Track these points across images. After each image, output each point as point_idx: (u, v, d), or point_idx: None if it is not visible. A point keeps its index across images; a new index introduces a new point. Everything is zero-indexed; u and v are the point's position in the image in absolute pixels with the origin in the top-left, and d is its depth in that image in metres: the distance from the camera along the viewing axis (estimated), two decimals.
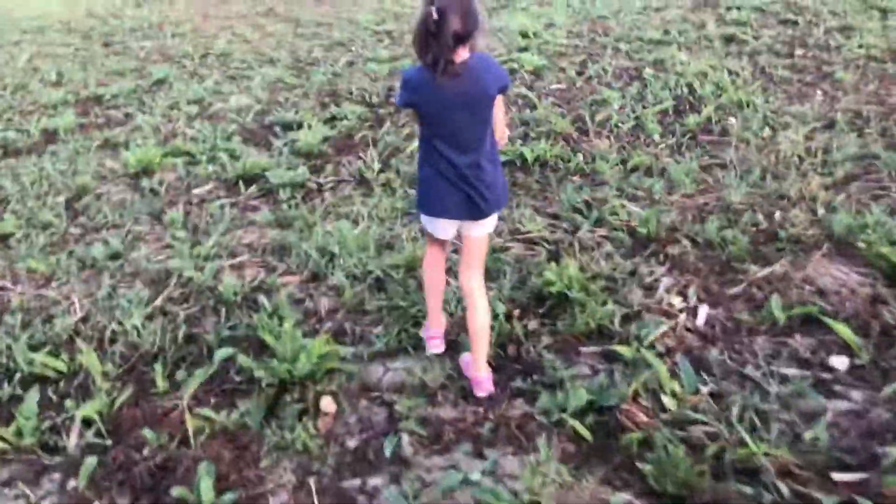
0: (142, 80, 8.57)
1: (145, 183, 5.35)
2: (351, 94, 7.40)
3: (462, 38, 2.45)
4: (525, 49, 8.81)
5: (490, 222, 2.81)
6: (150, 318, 3.51)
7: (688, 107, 6.32)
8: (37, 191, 5.37)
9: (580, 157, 5.32)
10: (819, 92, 6.58)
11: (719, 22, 9.63)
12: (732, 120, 5.95)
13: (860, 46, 7.84)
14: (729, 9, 10.54)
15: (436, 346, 3.11)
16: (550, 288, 3.29)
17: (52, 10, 14.81)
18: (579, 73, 7.73)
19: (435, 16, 2.37)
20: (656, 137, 5.69)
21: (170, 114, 7.15)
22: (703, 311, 3.22)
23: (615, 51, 8.59)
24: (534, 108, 6.67)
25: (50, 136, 6.74)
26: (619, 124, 6.02)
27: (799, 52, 8.04)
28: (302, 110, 6.90)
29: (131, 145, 6.14)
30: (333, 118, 6.69)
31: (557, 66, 8.04)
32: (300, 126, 6.44)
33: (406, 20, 11.66)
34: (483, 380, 2.90)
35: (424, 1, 2.43)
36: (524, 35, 9.49)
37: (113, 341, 3.36)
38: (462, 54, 2.49)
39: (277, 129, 6.46)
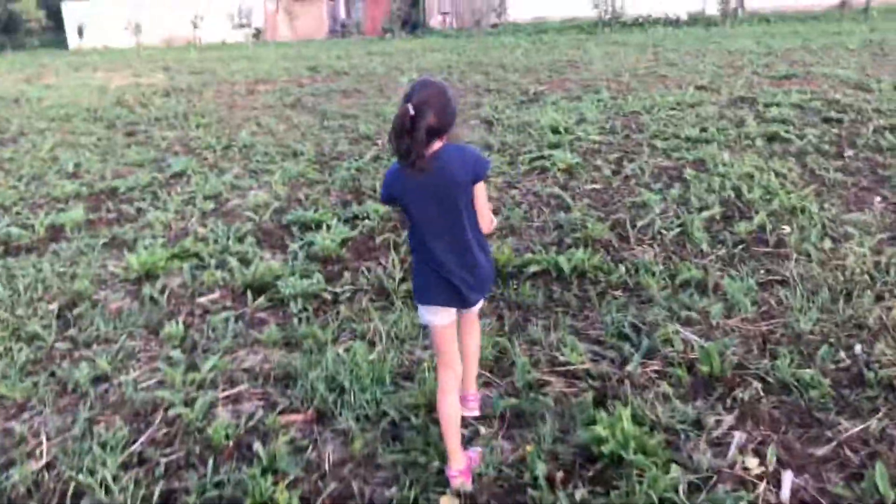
0: (160, 172, 8.29)
1: (147, 289, 4.91)
2: (375, 191, 7.02)
3: (436, 133, 2.56)
4: (557, 146, 8.45)
5: (481, 301, 2.96)
6: (125, 466, 2.99)
7: (736, 213, 5.82)
8: (30, 296, 4.95)
9: (622, 268, 4.82)
10: (878, 198, 6.08)
11: (758, 119, 9.24)
12: (787, 229, 5.44)
13: None
14: (767, 106, 10.19)
15: (457, 483, 2.77)
16: (601, 447, 2.72)
17: (81, 98, 14.89)
18: (615, 172, 7.31)
19: (411, 112, 2.48)
20: (705, 247, 5.19)
21: (184, 210, 6.80)
22: (788, 478, 2.64)
23: (652, 148, 8.19)
24: (568, 209, 6.22)
25: (56, 231, 6.38)
26: (663, 231, 5.53)
27: (849, 152, 7.59)
28: (322, 208, 6.51)
29: (138, 245, 5.75)
30: (355, 217, 6.29)
31: (592, 163, 7.65)
32: (319, 226, 6.03)
33: None
34: (473, 397, 3.13)
35: (403, 98, 2.54)
36: (555, 131, 9.16)
37: (77, 496, 2.83)
38: (434, 146, 2.59)
39: (295, 228, 6.05)
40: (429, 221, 2.66)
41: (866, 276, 4.46)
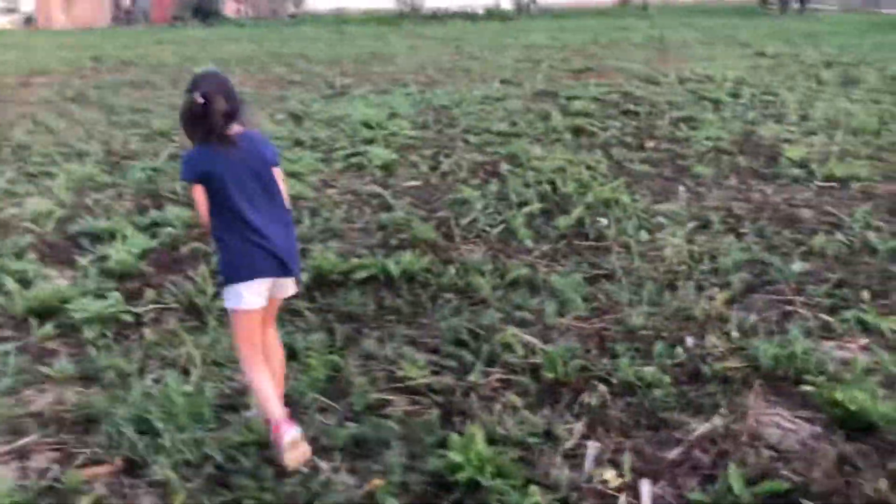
0: None
1: None
2: (176, 193, 6.41)
3: (231, 116, 2.65)
4: (371, 141, 8.21)
5: (293, 285, 2.92)
6: None
7: (555, 207, 5.86)
8: None
9: (451, 270, 4.66)
10: (682, 188, 6.38)
11: (563, 112, 9.52)
12: (604, 221, 5.54)
13: (707, 138, 7.87)
14: (569, 99, 10.55)
15: (292, 430, 2.73)
16: (456, 474, 2.51)
17: None
18: (433, 168, 7.19)
19: (200, 100, 2.57)
20: (529, 243, 5.16)
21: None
22: (646, 488, 2.57)
23: (466, 143, 8.17)
24: (390, 208, 5.99)
25: None
26: (487, 228, 5.45)
27: (650, 143, 7.98)
28: (115, 216, 5.83)
29: None
30: (155, 224, 5.67)
31: (409, 160, 7.48)
32: (113, 236, 5.37)
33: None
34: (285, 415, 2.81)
35: (186, 93, 2.63)
36: (368, 126, 8.91)
37: None
38: (234, 129, 2.68)
39: (84, 240, 5.35)
40: (248, 195, 2.68)
41: (685, 266, 4.60)
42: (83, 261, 4.91)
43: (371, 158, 7.37)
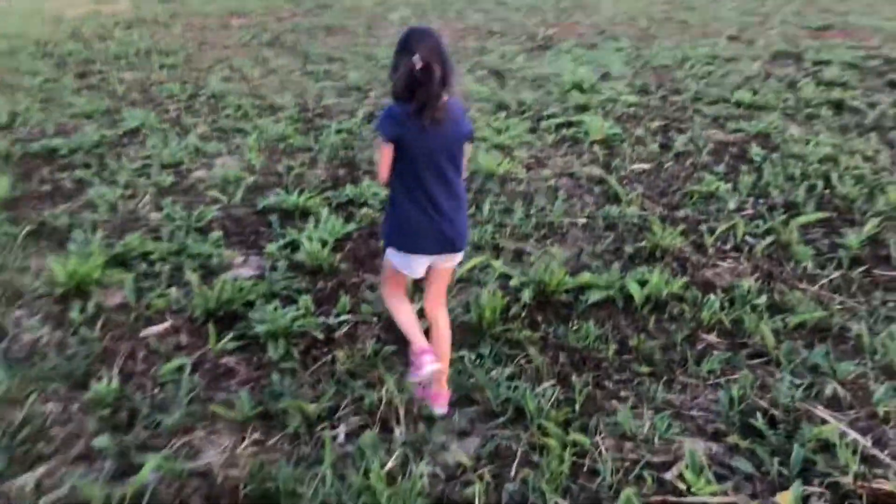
0: (112, 128, 6.87)
1: (74, 314, 3.63)
2: (371, 164, 5.71)
3: (445, 83, 2.53)
4: (585, 108, 7.13)
5: (459, 256, 2.86)
6: None
7: (835, 213, 4.61)
8: None
9: (713, 298, 3.61)
10: None
11: (815, 81, 7.95)
12: None
13: None
14: (816, 64, 8.90)
15: (431, 362, 2.81)
16: None
17: (31, 29, 13.18)
18: (664, 147, 6.04)
19: (420, 64, 2.47)
20: (810, 265, 3.99)
21: (136, 183, 5.45)
22: None
23: (700, 115, 6.91)
24: (617, 199, 4.98)
25: None
26: (749, 238, 4.32)
27: None
28: (308, 189, 5.20)
29: (72, 239, 4.43)
30: (350, 203, 5.00)
31: (632, 134, 6.36)
32: (305, 214, 4.76)
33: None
34: (444, 394, 2.95)
35: (402, 53, 2.53)
36: (579, 88, 7.82)
37: None
38: (443, 98, 2.55)
39: (273, 217, 4.75)
40: (435, 168, 2.63)
41: None
42: (272, 247, 4.28)
43: (588, 130, 6.33)
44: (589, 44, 10.83)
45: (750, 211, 4.71)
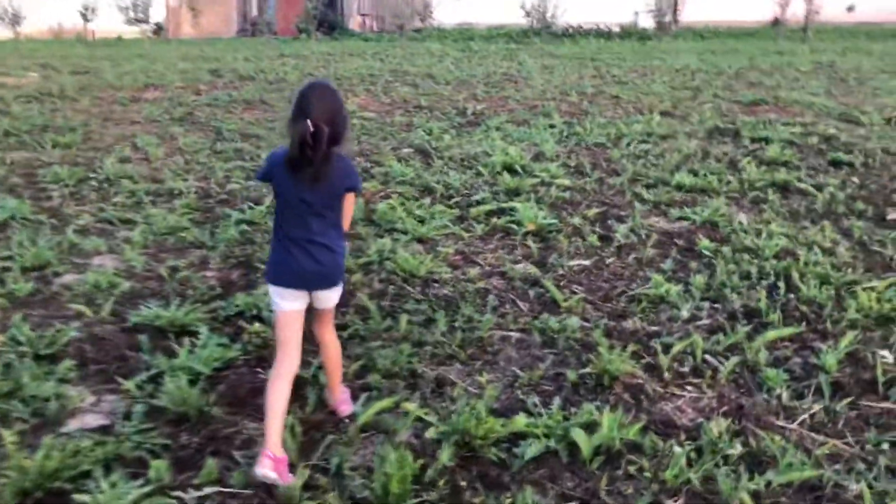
0: None
1: None
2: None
3: (335, 142, 2.65)
4: (516, 193, 6.54)
5: (333, 295, 2.95)
6: None
7: (805, 325, 4.01)
8: None
9: (678, 452, 2.90)
10: None
11: (755, 160, 7.57)
12: (889, 356, 3.67)
13: None
14: (755, 141, 8.59)
15: (266, 468, 2.63)
16: None
17: None
18: (604, 239, 5.44)
19: (311, 128, 2.56)
20: (784, 395, 3.34)
21: None
22: None
23: (639, 200, 6.38)
24: (555, 305, 4.30)
25: None
26: (709, 359, 3.67)
27: (893, 214, 5.95)
28: (192, 299, 4.38)
29: None
30: (240, 315, 4.19)
31: (568, 223, 5.76)
32: (183, 334, 3.93)
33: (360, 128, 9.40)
34: (343, 398, 3.20)
35: (296, 111, 2.63)
36: (511, 170, 7.26)
37: None
38: (332, 154, 2.67)
39: (143, 339, 3.90)
40: (297, 216, 2.76)
41: None
42: (132, 383, 3.43)
43: (520, 220, 5.69)
44: (520, 120, 10.41)
45: (707, 320, 4.08)
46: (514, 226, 5.64)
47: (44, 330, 3.99)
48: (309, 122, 2.55)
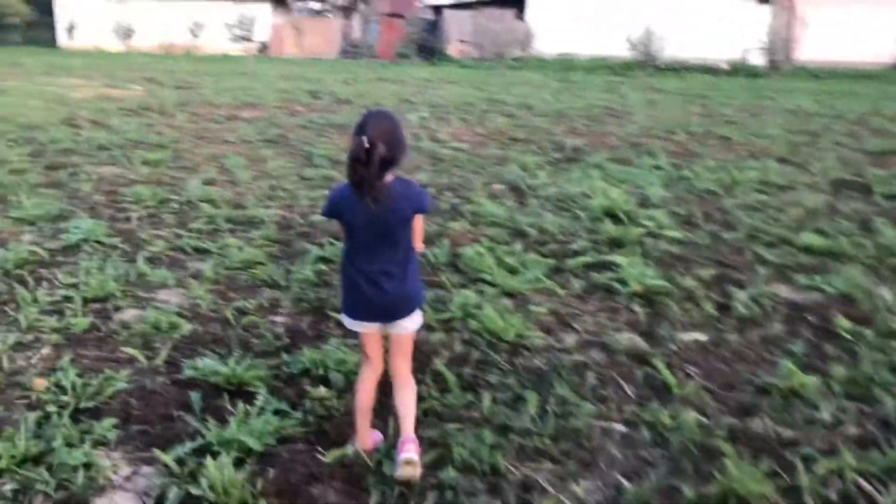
0: (52, 240, 5.74)
1: None
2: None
3: (389, 165, 2.67)
4: (620, 244, 5.91)
5: (407, 324, 2.96)
6: None
7: None
8: None
9: None
10: None
11: (889, 221, 6.70)
12: None
13: None
14: (889, 199, 7.70)
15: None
16: None
17: (28, 111, 12.37)
18: (721, 308, 4.75)
19: (366, 145, 2.59)
20: None
21: (42, 324, 4.24)
22: None
23: (760, 262, 5.65)
24: (667, 392, 3.66)
25: None
26: (864, 482, 2.96)
27: None
28: (254, 351, 3.96)
29: None
30: (305, 374, 3.73)
31: (680, 285, 5.09)
32: (239, 394, 3.49)
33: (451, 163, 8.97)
34: (411, 443, 2.94)
35: (355, 129, 2.65)
36: (613, 216, 6.62)
37: None
38: (387, 178, 2.70)
39: (195, 396, 3.47)
40: (366, 246, 2.81)
41: None
42: (171, 456, 2.98)
43: (625, 278, 5.07)
44: (622, 158, 9.75)
45: (854, 428, 3.36)
46: (618, 285, 5.01)
47: (91, 376, 3.63)
48: (364, 138, 2.59)
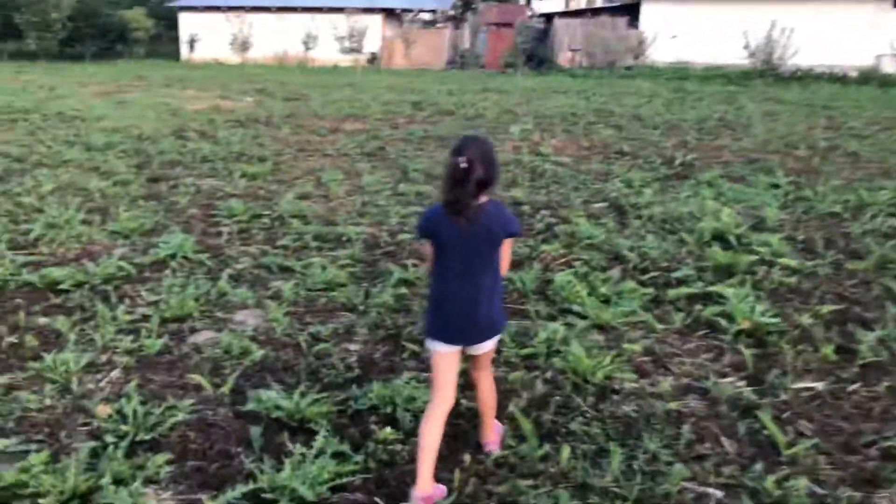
0: (142, 255, 5.77)
1: None
2: (421, 344, 4.19)
3: (485, 185, 2.72)
4: (729, 273, 5.41)
5: (489, 344, 2.98)
6: None
7: None
8: None
9: None
10: None
11: None
12: None
13: None
14: None
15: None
16: None
17: (143, 122, 12.83)
18: (842, 351, 4.21)
19: (463, 165, 2.64)
20: None
21: (117, 344, 4.19)
22: None
23: (891, 298, 5.02)
24: (775, 454, 3.19)
25: None
26: None
27: None
28: (321, 384, 3.76)
29: None
30: (373, 411, 3.49)
31: (794, 323, 4.56)
32: (300, 430, 3.29)
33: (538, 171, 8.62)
34: (494, 439, 3.22)
35: (451, 151, 2.71)
36: (722, 239, 6.11)
37: None
38: (481, 199, 2.74)
39: (255, 432, 3.29)
40: (456, 267, 2.82)
41: None
42: (222, 501, 2.79)
43: (732, 312, 4.59)
44: (736, 175, 9.11)
45: None
46: (723, 321, 4.54)
47: (155, 405, 3.50)
48: (462, 158, 2.64)
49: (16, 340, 4.26)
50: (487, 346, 2.98)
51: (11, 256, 5.64)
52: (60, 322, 4.43)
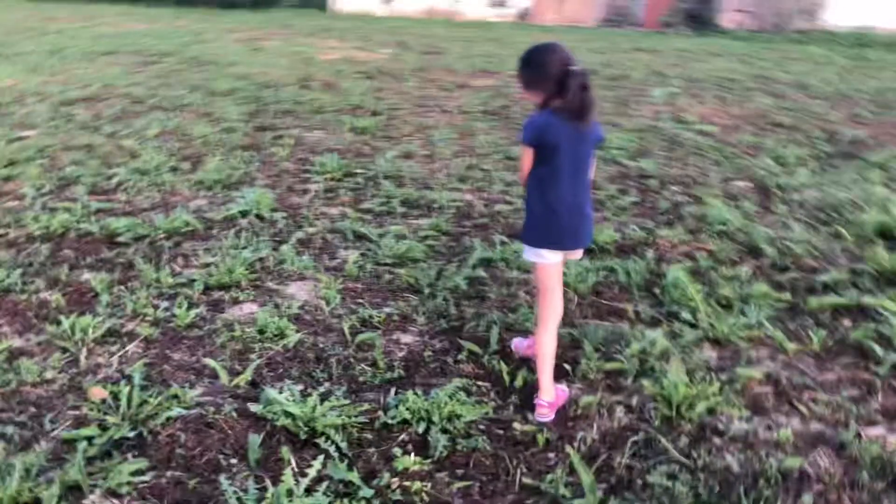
0: (216, 210, 5.36)
1: None
2: (486, 344, 3.50)
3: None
4: (892, 282, 4.30)
5: (580, 252, 3.15)
6: None
7: None
8: None
9: None
10: None
11: None
12: None
13: None
14: None
15: (548, 411, 2.95)
16: None
17: (271, 69, 12.64)
18: None
19: (580, 67, 2.74)
20: None
21: (147, 312, 3.74)
22: None
23: None
24: None
25: None
26: None
27: None
28: (347, 388, 3.13)
29: None
30: (404, 426, 2.84)
31: None
32: (307, 444, 2.69)
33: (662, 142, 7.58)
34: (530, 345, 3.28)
35: (534, 67, 2.86)
36: (889, 238, 4.97)
37: None
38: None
39: (254, 440, 2.71)
40: (574, 169, 2.86)
41: None
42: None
43: (892, 337, 3.56)
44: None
45: None
46: (877, 348, 3.52)
47: (157, 391, 3.00)
48: (577, 66, 2.72)
49: (49, 297, 3.90)
50: (581, 251, 3.13)
51: (87, 201, 5.37)
52: (99, 280, 4.04)
